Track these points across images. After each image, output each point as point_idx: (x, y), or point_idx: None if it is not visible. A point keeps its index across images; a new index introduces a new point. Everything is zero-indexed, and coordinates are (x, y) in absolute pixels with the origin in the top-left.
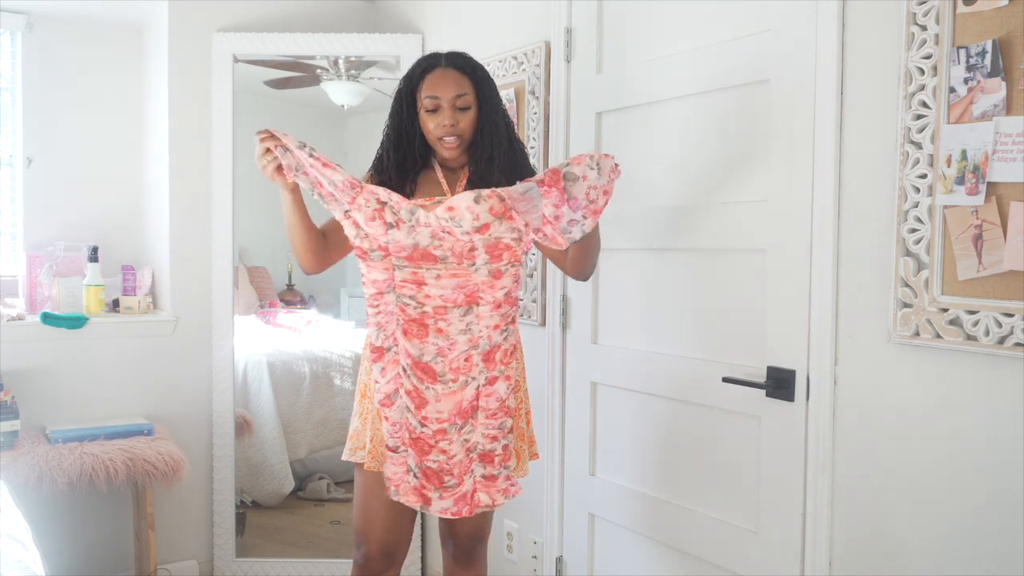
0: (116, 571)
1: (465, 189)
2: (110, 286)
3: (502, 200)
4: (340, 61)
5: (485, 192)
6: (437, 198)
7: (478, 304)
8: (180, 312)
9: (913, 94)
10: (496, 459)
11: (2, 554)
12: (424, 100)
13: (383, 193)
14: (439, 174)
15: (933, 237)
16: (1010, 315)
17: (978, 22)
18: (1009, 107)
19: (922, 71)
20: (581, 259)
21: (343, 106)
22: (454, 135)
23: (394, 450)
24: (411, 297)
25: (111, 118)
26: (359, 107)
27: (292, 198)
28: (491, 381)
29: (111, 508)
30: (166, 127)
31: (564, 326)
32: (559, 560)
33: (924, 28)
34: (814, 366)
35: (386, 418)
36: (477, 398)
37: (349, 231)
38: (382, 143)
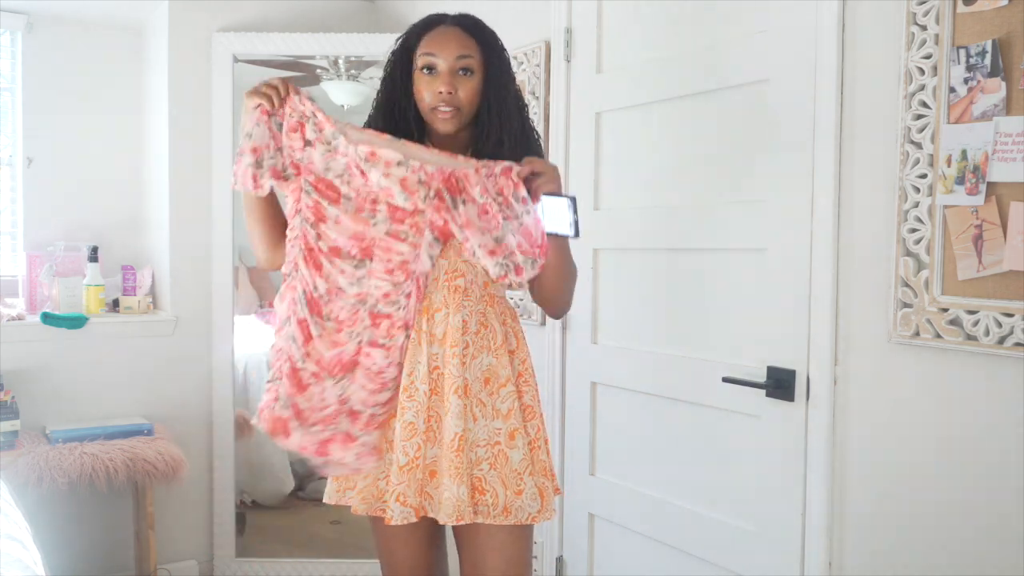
0: (116, 571)
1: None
2: (110, 286)
3: (450, 195)
4: (340, 61)
5: (432, 169)
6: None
7: (371, 260)
8: (180, 312)
9: (913, 94)
10: (360, 419)
11: (2, 554)
12: (419, 59)
13: (309, 107)
14: None
15: (933, 237)
16: (1010, 315)
17: (978, 22)
18: (1009, 107)
19: (922, 71)
20: (554, 292)
21: (343, 106)
22: (451, 105)
23: (271, 380)
24: (312, 225)
25: (111, 118)
26: (359, 107)
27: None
28: (372, 343)
29: (111, 508)
30: (166, 127)
31: (564, 326)
32: (559, 560)
33: (924, 28)
34: (814, 366)
35: (271, 345)
36: (358, 354)
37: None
38: (369, 115)
